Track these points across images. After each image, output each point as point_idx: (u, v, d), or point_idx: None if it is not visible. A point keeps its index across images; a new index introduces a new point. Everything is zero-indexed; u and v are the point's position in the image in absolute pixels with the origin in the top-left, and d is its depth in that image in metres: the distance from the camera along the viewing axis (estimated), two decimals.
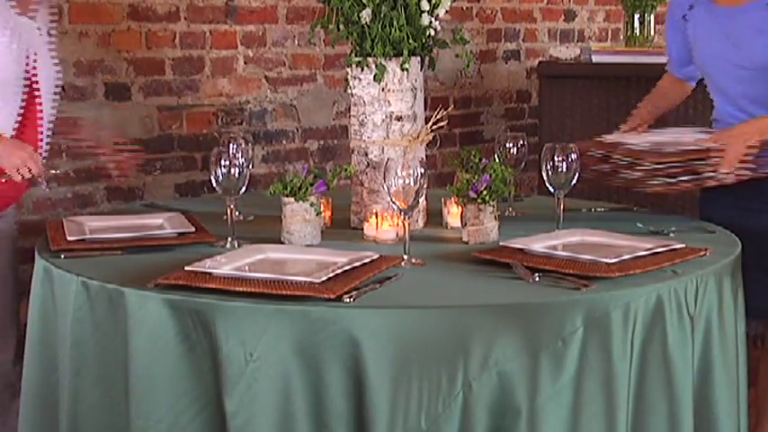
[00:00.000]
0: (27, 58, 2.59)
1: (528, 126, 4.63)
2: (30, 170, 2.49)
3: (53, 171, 2.84)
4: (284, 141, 3.89)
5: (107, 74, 3.41)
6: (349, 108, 2.63)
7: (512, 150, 2.76)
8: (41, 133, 2.64)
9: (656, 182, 2.49)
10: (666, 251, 2.16)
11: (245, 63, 3.75)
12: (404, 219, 2.20)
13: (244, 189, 2.41)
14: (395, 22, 2.50)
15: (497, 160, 2.69)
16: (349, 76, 2.60)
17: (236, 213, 2.48)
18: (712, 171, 2.47)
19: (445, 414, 1.83)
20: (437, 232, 2.57)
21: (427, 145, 2.64)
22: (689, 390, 2.04)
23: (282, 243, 2.36)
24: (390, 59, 2.53)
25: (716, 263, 2.18)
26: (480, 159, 2.58)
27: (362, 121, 2.57)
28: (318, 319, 1.83)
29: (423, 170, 2.20)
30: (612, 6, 4.95)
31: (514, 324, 1.86)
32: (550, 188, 2.49)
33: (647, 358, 1.98)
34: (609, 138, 2.79)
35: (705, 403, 2.10)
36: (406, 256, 2.18)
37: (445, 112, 2.62)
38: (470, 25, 4.48)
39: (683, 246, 2.20)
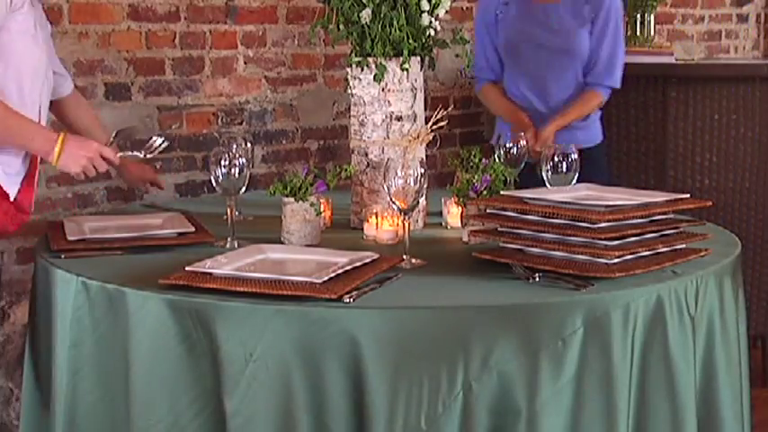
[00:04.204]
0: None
1: None
2: (96, 169, 2.45)
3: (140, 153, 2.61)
4: (284, 141, 3.89)
5: (107, 74, 3.41)
6: (349, 108, 2.63)
7: (512, 150, 2.76)
8: None
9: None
10: (668, 251, 2.16)
11: (245, 63, 3.75)
12: (404, 219, 2.20)
13: (244, 189, 2.41)
14: (395, 22, 2.50)
15: (497, 160, 2.69)
16: (349, 76, 2.60)
17: (236, 213, 2.48)
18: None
19: (445, 414, 1.83)
20: (437, 232, 2.57)
21: (427, 145, 2.64)
22: (691, 391, 2.04)
23: (282, 243, 2.36)
24: (390, 59, 2.53)
25: (716, 263, 2.18)
26: (480, 159, 2.58)
27: (362, 121, 2.57)
28: (318, 320, 1.83)
29: (423, 170, 2.20)
30: None
31: (514, 324, 1.86)
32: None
33: (647, 359, 1.98)
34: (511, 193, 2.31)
35: (709, 405, 2.10)
36: (405, 257, 2.18)
37: (445, 112, 2.62)
38: (470, 25, 4.47)
39: (684, 246, 2.20)
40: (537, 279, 2.02)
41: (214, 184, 2.39)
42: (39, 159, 2.55)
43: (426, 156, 2.59)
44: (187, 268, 2.00)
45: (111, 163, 2.49)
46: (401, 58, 2.53)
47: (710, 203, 2.29)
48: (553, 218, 2.10)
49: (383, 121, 2.55)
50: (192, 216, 2.59)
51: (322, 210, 2.42)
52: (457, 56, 2.65)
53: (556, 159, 2.50)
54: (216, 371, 1.88)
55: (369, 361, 1.81)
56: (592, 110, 3.34)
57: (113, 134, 2.63)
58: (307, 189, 2.37)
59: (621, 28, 3.35)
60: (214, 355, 1.87)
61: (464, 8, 4.44)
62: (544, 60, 3.30)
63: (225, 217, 2.43)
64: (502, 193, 2.34)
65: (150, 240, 2.35)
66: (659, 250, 2.14)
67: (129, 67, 3.45)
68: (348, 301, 1.86)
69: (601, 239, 2.04)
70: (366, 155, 2.57)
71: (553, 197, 2.17)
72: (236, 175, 2.37)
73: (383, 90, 2.54)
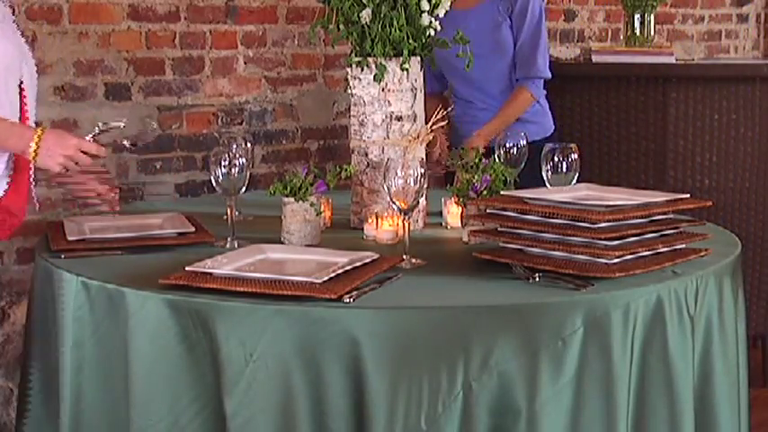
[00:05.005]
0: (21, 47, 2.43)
1: None
2: (77, 164, 2.33)
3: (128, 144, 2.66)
4: (284, 141, 3.89)
5: (107, 74, 3.41)
6: (349, 108, 2.63)
7: (512, 150, 2.76)
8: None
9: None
10: (668, 251, 2.16)
11: (245, 63, 3.75)
12: (404, 219, 2.20)
13: (244, 189, 2.41)
14: (395, 22, 2.50)
15: (497, 160, 2.69)
16: (349, 76, 2.59)
17: (236, 213, 2.48)
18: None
19: (445, 414, 1.83)
20: (437, 232, 2.57)
21: (427, 145, 2.64)
22: (689, 391, 2.04)
23: (282, 243, 2.36)
24: (390, 59, 2.53)
25: (716, 263, 2.18)
26: (480, 159, 2.58)
27: (362, 121, 2.57)
28: (318, 320, 1.83)
29: (423, 170, 2.20)
30: (612, 6, 4.95)
31: (514, 324, 1.86)
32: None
33: (647, 359, 1.98)
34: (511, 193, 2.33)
35: (706, 404, 2.10)
36: (405, 257, 2.18)
37: (445, 112, 2.62)
38: None
39: (684, 246, 2.20)
40: (537, 279, 2.02)
41: (214, 184, 2.39)
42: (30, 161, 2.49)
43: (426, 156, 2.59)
44: (187, 268, 2.00)
45: (95, 155, 2.35)
46: (401, 58, 2.53)
47: (710, 203, 2.29)
48: (553, 218, 2.10)
49: (383, 121, 2.55)
50: (192, 216, 2.59)
51: (322, 210, 2.42)
52: (457, 56, 2.65)
53: (556, 159, 2.50)
54: (216, 371, 1.88)
55: (369, 361, 1.81)
56: (521, 106, 3.41)
57: (96, 129, 2.52)
58: (307, 189, 2.37)
59: (542, 18, 3.42)
60: (214, 356, 1.87)
61: None
62: (475, 63, 3.32)
63: (225, 217, 2.43)
64: (502, 193, 2.34)
65: (150, 240, 2.35)
66: (659, 250, 2.14)
67: (129, 67, 3.46)
68: (348, 301, 1.86)
69: (601, 239, 2.04)
70: (366, 155, 2.57)
71: (553, 197, 2.17)
72: (236, 175, 2.37)
73: (383, 90, 2.54)
